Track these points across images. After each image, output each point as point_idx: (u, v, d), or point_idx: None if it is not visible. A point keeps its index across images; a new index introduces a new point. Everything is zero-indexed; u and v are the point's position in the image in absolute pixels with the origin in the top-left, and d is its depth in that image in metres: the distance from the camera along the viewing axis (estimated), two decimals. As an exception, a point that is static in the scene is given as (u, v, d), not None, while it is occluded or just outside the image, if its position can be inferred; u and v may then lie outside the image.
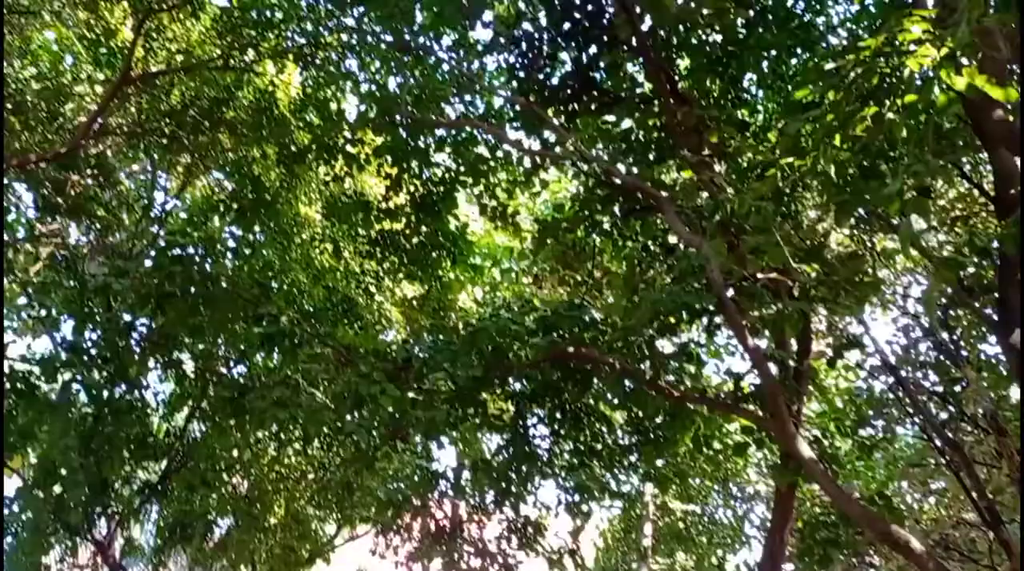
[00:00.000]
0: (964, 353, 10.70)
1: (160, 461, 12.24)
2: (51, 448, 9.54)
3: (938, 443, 10.74)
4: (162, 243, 7.57)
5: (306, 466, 12.59)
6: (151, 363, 9.35)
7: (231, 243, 9.77)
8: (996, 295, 6.08)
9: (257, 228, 9.55)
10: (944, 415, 11.08)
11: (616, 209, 7.73)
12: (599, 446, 8.84)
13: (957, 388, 10.94)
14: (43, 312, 9.42)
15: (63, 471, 9.75)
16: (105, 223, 10.93)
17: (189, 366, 10.00)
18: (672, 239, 8.29)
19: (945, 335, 11.06)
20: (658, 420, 7.57)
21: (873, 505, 6.36)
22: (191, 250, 7.40)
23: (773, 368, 6.41)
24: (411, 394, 7.18)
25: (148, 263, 7.68)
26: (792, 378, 6.72)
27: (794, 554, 7.67)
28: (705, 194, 6.78)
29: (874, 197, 4.53)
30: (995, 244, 5.78)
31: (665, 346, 6.97)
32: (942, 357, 10.98)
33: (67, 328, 8.93)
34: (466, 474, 10.79)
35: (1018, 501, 10.86)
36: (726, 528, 16.07)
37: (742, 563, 15.24)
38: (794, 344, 7.42)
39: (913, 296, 11.05)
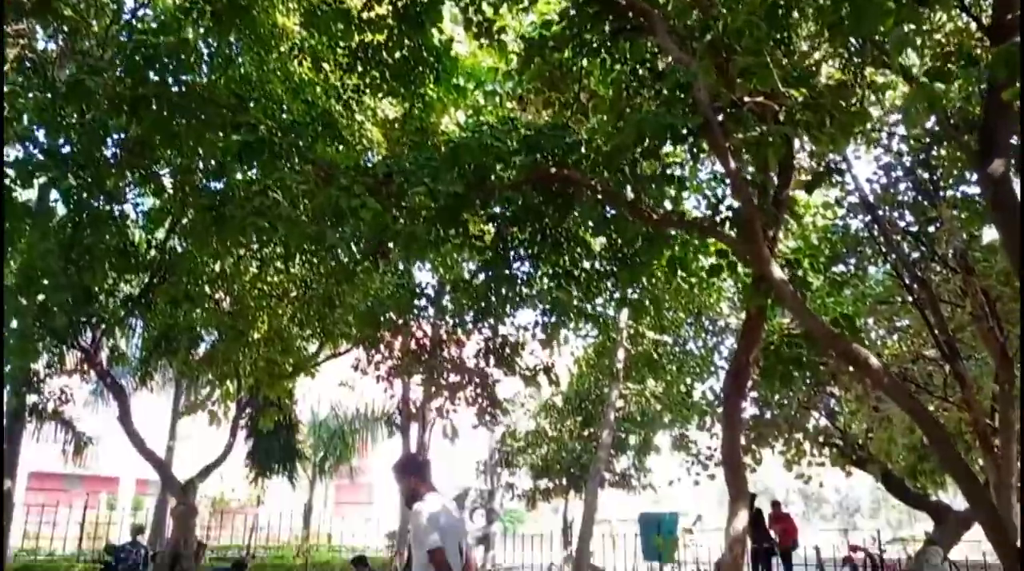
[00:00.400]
0: (942, 194, 10.81)
1: (142, 274, 12.38)
2: (31, 255, 9.59)
3: (907, 281, 11.05)
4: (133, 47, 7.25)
5: (288, 284, 12.77)
6: (128, 175, 9.24)
7: (206, 53, 9.46)
8: (980, 129, 6.06)
9: (233, 38, 9.18)
10: (916, 254, 11.33)
11: (606, 27, 7.48)
12: (577, 271, 8.97)
13: (931, 228, 11.12)
14: (13, 122, 9.19)
15: (45, 281, 9.86)
16: (73, 26, 10.49)
17: (168, 181, 9.91)
18: (661, 65, 8.11)
19: (925, 175, 11.12)
20: (636, 245, 7.64)
21: (836, 327, 6.58)
22: (165, 58, 7.15)
23: (752, 192, 6.43)
24: (393, 211, 7.19)
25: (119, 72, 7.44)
26: (771, 204, 6.76)
27: (757, 372, 7.98)
28: (696, 12, 6.56)
29: (868, 12, 4.40)
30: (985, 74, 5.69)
31: (647, 170, 6.93)
32: (920, 197, 11.09)
33: (40, 136, 8.72)
34: (446, 299, 10.99)
35: (977, 339, 11.30)
36: (696, 358, 16.66)
37: (707, 389, 15.90)
38: (775, 175, 7.40)
39: (899, 133, 11.01)
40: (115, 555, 13.76)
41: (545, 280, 9.12)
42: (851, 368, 7.39)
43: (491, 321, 9.89)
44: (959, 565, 13.84)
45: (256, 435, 18.79)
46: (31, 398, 13.79)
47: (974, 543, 14.54)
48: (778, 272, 5.96)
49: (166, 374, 18.74)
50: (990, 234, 9.89)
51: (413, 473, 5.59)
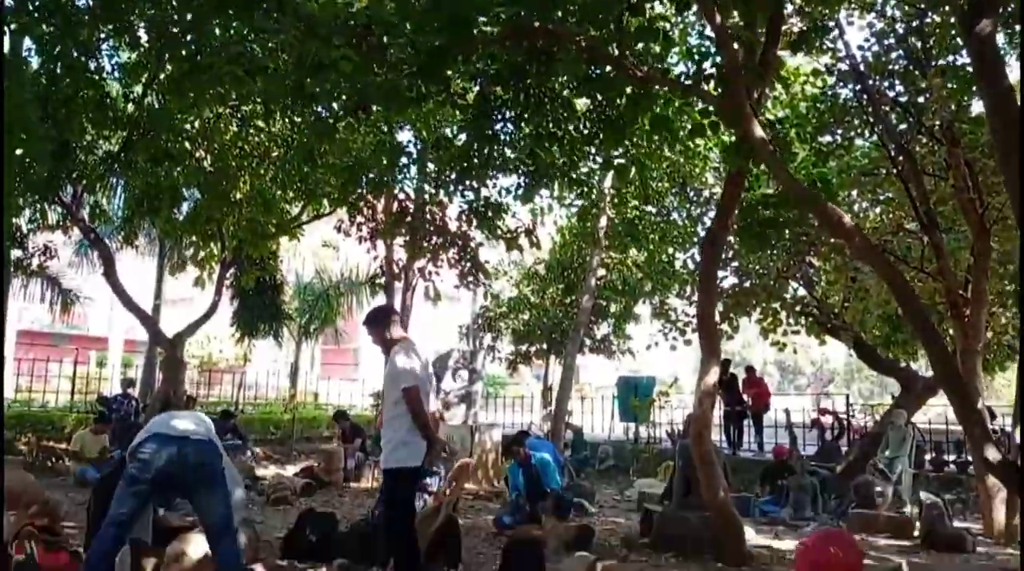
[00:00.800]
0: (933, 64, 10.67)
1: (121, 131, 12.21)
2: (7, 105, 9.40)
3: (892, 152, 11.05)
4: None
5: (269, 143, 12.64)
6: (102, 28, 8.97)
7: None
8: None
9: None
10: (903, 126, 11.29)
11: None
12: (560, 132, 8.90)
13: (920, 99, 11.04)
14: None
15: (22, 134, 9.71)
16: None
17: (144, 34, 9.62)
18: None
19: (918, 43, 10.95)
20: (619, 105, 7.55)
21: (813, 188, 6.63)
22: None
23: (739, 51, 6.33)
24: (374, 67, 7.05)
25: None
26: (757, 63, 6.66)
27: (734, 231, 8.08)
28: None
29: None
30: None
31: (633, 24, 6.76)
32: (911, 66, 10.96)
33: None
34: (428, 158, 10.91)
35: (958, 213, 11.43)
36: (679, 228, 16.77)
37: (689, 258, 16.09)
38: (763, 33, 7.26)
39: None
40: (107, 405, 14.17)
41: (527, 141, 9.06)
42: (825, 228, 7.47)
43: (473, 183, 9.88)
44: (922, 430, 14.44)
45: (241, 295, 18.99)
46: (15, 253, 13.82)
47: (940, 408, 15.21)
48: (759, 131, 5.95)
49: (150, 235, 18.74)
50: (978, 107, 9.84)
51: (386, 321, 5.77)
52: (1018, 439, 10.31)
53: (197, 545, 5.43)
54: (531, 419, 19.52)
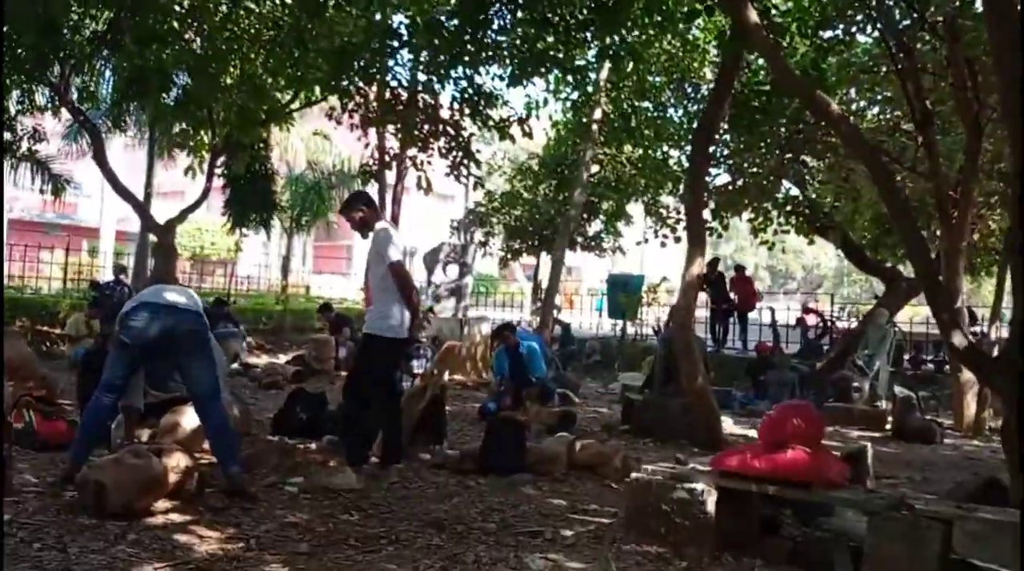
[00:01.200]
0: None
1: (108, 10, 11.90)
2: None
3: (892, 49, 10.87)
4: None
5: (259, 25, 12.34)
6: None
7: None
8: None
9: None
10: (906, 21, 11.06)
11: None
12: (555, 17, 8.71)
13: (923, -7, 10.79)
14: None
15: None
16: None
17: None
18: None
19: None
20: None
21: (805, 76, 6.57)
22: None
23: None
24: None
25: None
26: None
27: (727, 120, 8.03)
28: None
29: None
30: None
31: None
32: (918, -43, 10.66)
33: None
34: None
35: (955, 115, 11.33)
36: (675, 125, 16.57)
37: (683, 156, 15.96)
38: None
39: None
40: (100, 291, 14.27)
41: (521, 27, 8.87)
42: (816, 117, 7.42)
43: (466, 70, 9.71)
44: (904, 332, 14.69)
45: (233, 184, 18.87)
46: (4, 135, 13.66)
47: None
48: (753, 16, 5.85)
49: (140, 124, 18.47)
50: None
51: (365, 205, 5.85)
52: (994, 336, 10.54)
53: (191, 416, 5.60)
54: (521, 316, 19.75)
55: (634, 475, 4.53)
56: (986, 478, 5.15)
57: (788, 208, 14.98)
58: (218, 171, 15.96)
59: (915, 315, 18.99)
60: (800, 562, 4.02)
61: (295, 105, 14.48)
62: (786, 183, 14.99)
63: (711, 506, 4.08)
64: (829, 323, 17.12)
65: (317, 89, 12.48)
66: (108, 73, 15.03)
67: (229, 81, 12.77)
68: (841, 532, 4.39)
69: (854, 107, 13.83)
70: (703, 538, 4.05)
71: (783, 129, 12.71)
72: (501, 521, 4.62)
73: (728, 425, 8.86)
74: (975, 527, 3.86)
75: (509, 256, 21.62)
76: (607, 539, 4.30)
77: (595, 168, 17.73)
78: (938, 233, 11.55)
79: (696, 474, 4.34)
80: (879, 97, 13.44)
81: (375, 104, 11.55)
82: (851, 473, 4.51)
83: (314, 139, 23.58)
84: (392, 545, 4.04)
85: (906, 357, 14.11)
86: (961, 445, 9.13)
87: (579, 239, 20.06)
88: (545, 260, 20.94)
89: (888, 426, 9.94)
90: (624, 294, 18.46)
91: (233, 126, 13.04)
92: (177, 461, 4.45)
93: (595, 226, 20.71)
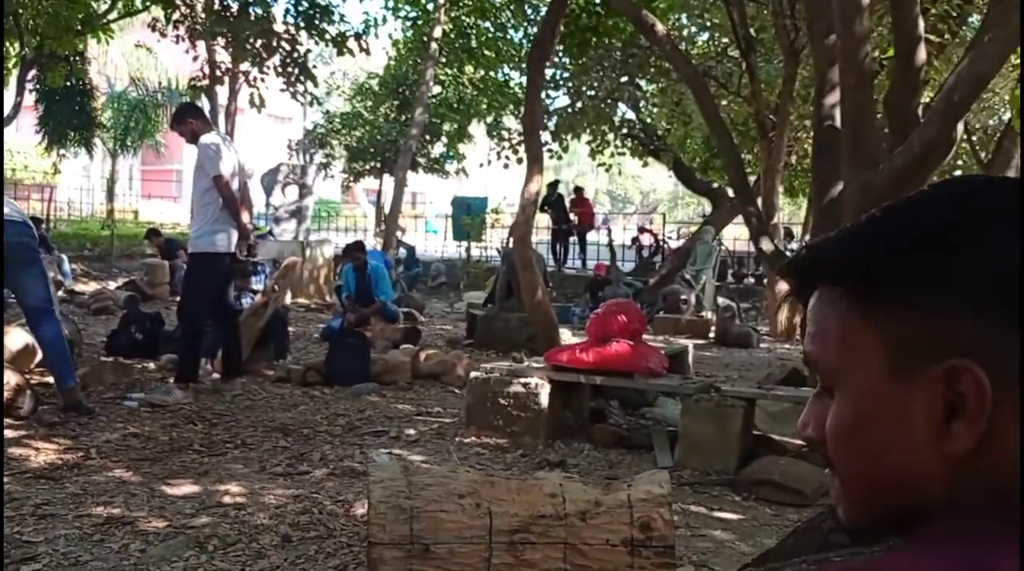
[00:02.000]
0: None
1: None
2: None
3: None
4: None
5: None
6: None
7: None
8: None
9: None
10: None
11: None
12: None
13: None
14: None
15: None
16: None
17: None
18: None
19: None
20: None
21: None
22: None
23: None
24: None
25: None
26: None
27: (560, 38, 8.20)
28: None
29: None
30: None
31: None
32: None
33: None
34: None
35: (776, 39, 12.00)
36: (515, 47, 16.66)
37: (524, 78, 16.11)
38: None
39: None
40: None
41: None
42: (643, 35, 7.71)
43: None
44: (728, 249, 15.66)
45: (47, 100, 17.46)
46: None
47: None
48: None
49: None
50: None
51: (193, 116, 5.67)
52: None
53: (19, 336, 5.35)
54: (365, 241, 19.57)
55: (473, 373, 4.75)
56: (790, 368, 5.74)
57: (624, 131, 15.49)
58: (29, 86, 14.73)
59: (741, 235, 20.24)
60: (625, 445, 4.38)
61: (113, 15, 13.50)
62: (622, 107, 15.48)
63: (545, 399, 4.36)
64: (662, 243, 18.00)
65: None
66: None
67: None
68: (661, 419, 4.80)
69: (685, 33, 14.37)
70: (537, 428, 4.33)
71: (618, 52, 13.08)
72: (347, 424, 4.75)
73: (567, 336, 9.26)
74: (774, 407, 4.33)
75: (351, 178, 21.27)
76: (450, 435, 4.52)
77: (437, 89, 17.62)
78: (759, 153, 12.31)
79: (531, 370, 4.60)
80: (708, 24, 14.00)
81: (203, 15, 11.00)
82: (673, 369, 4.92)
83: (137, 53, 21.97)
84: (238, 448, 4.09)
85: (730, 272, 15.08)
86: (776, 348, 9.97)
87: (422, 161, 19.96)
88: (389, 183, 20.76)
89: (712, 334, 10.69)
90: (468, 216, 18.65)
91: (45, 35, 12.04)
92: (8, 379, 4.28)
93: (438, 148, 20.66)
